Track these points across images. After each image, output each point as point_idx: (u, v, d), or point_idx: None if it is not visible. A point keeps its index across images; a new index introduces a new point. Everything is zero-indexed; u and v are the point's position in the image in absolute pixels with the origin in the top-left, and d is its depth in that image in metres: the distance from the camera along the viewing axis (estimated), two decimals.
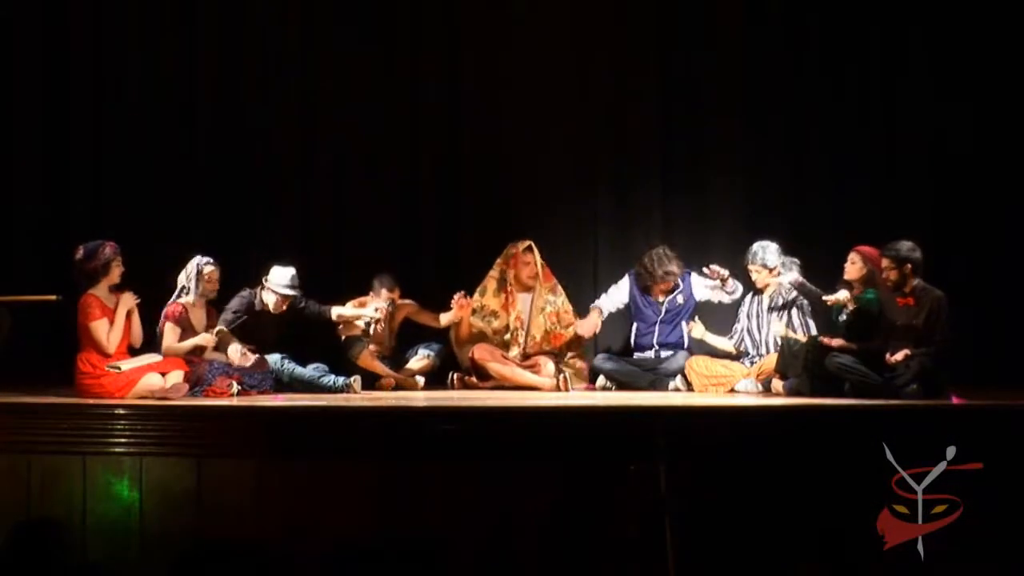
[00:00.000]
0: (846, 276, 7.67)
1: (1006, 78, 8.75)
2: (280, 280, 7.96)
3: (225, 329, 7.73)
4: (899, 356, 7.08)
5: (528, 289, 8.53)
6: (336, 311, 8.20)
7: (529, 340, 8.51)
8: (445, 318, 8.44)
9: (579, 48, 9.18)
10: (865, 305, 7.45)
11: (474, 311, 8.50)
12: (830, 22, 9.01)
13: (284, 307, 8.00)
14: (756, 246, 8.12)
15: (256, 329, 7.96)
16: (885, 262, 7.27)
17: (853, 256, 7.63)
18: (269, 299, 7.99)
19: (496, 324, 8.54)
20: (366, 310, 8.24)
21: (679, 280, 8.44)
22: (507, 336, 8.50)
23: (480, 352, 8.38)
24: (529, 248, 8.50)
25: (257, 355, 7.73)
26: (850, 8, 8.98)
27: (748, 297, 8.28)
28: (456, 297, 8.32)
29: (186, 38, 9.30)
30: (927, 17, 8.88)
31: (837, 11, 8.98)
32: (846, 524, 5.83)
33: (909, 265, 7.23)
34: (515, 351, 8.47)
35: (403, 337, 8.57)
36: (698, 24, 9.11)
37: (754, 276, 8.17)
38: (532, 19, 9.17)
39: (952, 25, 8.83)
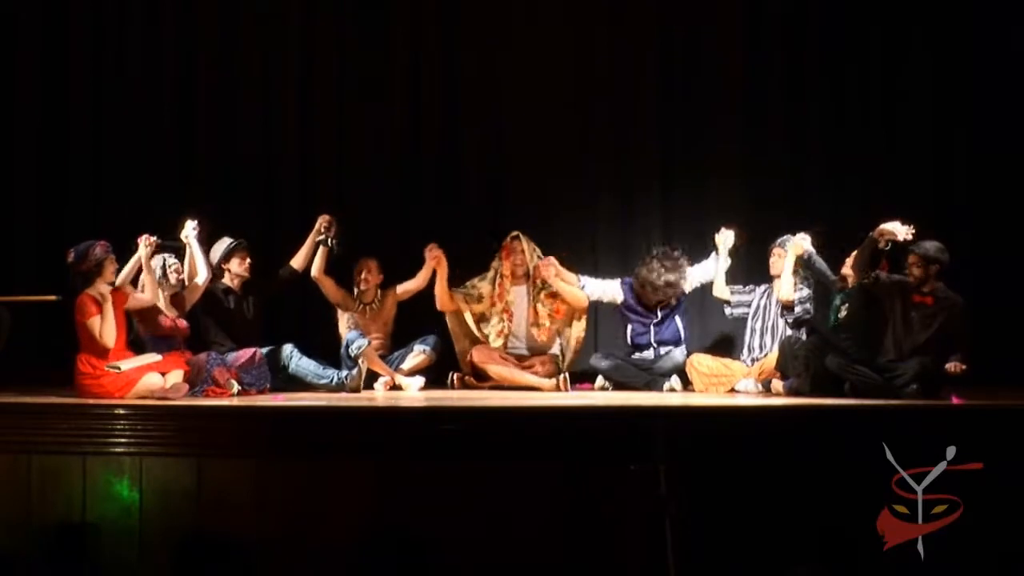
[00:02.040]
0: (844, 269, 7.70)
1: (1007, 77, 8.75)
2: (221, 245, 8.03)
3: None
4: (961, 367, 6.99)
5: (521, 281, 8.51)
6: (295, 260, 8.22)
7: (524, 331, 8.48)
8: (420, 277, 8.43)
9: (579, 47, 9.19)
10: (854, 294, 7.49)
11: (464, 285, 8.48)
12: (830, 22, 9.01)
13: (247, 260, 8.04)
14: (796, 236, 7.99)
15: (234, 319, 7.97)
16: (912, 258, 7.23)
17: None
18: (233, 266, 8.03)
19: (477, 307, 8.50)
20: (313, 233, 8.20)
21: (680, 292, 8.37)
22: (487, 328, 8.45)
23: (479, 354, 8.36)
24: (516, 237, 8.48)
25: (255, 349, 7.72)
26: (850, 7, 8.99)
27: (761, 289, 8.25)
28: (428, 248, 8.32)
29: (186, 35, 9.30)
30: (927, 16, 8.90)
31: (837, 11, 8.99)
32: (846, 524, 5.84)
33: (937, 266, 7.21)
34: (499, 342, 8.42)
35: (398, 335, 8.56)
36: (698, 23, 9.13)
37: (773, 259, 8.13)
38: (532, 17, 9.19)
39: (952, 24, 8.85)
